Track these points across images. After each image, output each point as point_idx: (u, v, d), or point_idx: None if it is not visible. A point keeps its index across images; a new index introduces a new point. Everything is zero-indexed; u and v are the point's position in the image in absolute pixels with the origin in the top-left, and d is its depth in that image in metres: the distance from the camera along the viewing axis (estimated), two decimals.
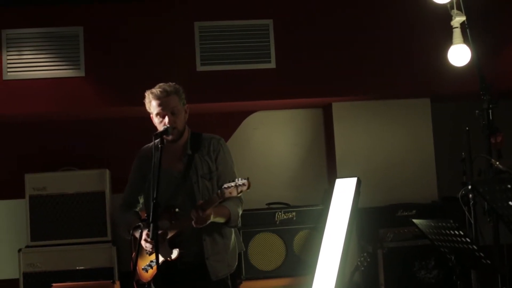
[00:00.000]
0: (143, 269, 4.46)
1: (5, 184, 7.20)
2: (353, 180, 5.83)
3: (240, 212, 4.49)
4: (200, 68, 6.84)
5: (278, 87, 6.91)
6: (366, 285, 6.64)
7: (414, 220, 4.89)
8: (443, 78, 6.87)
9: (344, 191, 6.00)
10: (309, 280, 6.07)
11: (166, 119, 4.39)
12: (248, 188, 4.04)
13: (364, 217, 6.74)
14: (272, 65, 6.91)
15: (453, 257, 4.59)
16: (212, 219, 4.20)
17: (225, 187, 4.07)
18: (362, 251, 6.47)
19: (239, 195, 4.10)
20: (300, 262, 6.61)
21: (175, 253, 4.29)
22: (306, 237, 6.69)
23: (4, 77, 6.69)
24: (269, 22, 6.94)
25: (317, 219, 6.63)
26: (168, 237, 4.30)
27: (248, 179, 4.04)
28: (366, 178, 6.14)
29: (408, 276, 6.53)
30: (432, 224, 4.67)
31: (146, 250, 4.39)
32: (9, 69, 6.69)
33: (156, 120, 4.46)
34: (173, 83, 4.51)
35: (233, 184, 4.05)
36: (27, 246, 6.63)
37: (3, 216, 7.22)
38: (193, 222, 4.15)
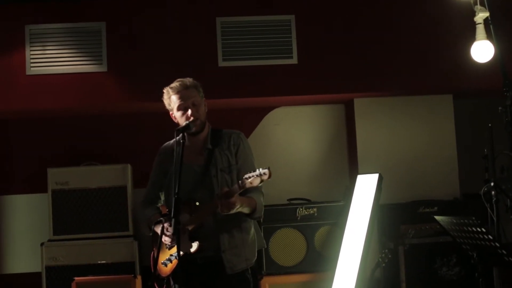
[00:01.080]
0: (162, 263, 4.48)
1: (28, 179, 7.26)
2: (375, 176, 5.83)
3: (263, 204, 4.51)
4: (222, 63, 6.85)
5: (299, 82, 6.90)
6: (387, 282, 6.63)
7: (436, 217, 4.88)
8: (466, 74, 6.83)
9: (365, 187, 6.00)
10: (330, 276, 6.09)
11: (189, 111, 4.41)
12: (269, 177, 4.05)
13: (386, 214, 6.73)
14: (294, 60, 6.90)
15: (475, 254, 4.58)
16: (239, 207, 4.20)
17: (246, 177, 4.09)
18: (383, 248, 6.46)
19: (260, 184, 4.11)
20: (321, 258, 6.61)
21: (194, 246, 4.31)
22: (327, 233, 6.68)
23: (28, 72, 6.73)
24: (291, 17, 6.93)
25: (338, 215, 6.63)
26: (189, 229, 4.31)
27: (269, 168, 4.05)
28: (388, 174, 6.15)
29: (429, 273, 6.51)
30: (454, 221, 4.66)
31: (166, 244, 4.41)
32: (32, 64, 6.73)
33: (177, 114, 4.48)
34: (191, 78, 4.55)
35: (255, 173, 4.07)
36: (49, 240, 6.68)
37: (26, 210, 7.27)
38: (219, 209, 4.16)
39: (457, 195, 7.08)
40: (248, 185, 4.11)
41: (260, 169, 4.07)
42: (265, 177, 4.05)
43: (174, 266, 4.41)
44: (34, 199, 7.21)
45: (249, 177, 4.08)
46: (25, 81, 6.73)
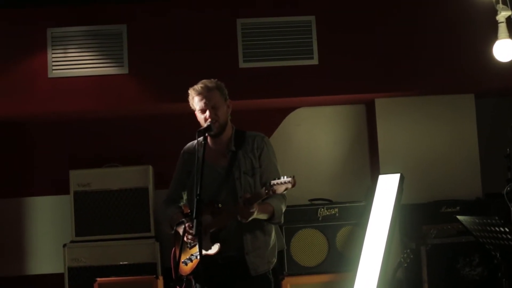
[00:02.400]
0: (182, 262, 4.48)
1: (51, 181, 7.30)
2: (396, 177, 5.82)
3: (284, 209, 4.50)
4: (242, 65, 6.86)
5: (320, 83, 6.89)
6: (409, 282, 6.61)
7: (459, 217, 4.87)
8: (488, 73, 6.80)
9: (387, 187, 5.99)
10: (352, 276, 6.08)
11: (207, 113, 4.42)
12: (293, 186, 4.05)
13: (407, 214, 6.70)
14: (315, 61, 6.90)
15: (498, 254, 4.56)
16: (255, 215, 4.21)
17: (273, 184, 4.08)
18: (405, 248, 6.43)
19: (284, 192, 4.11)
20: (343, 258, 6.60)
21: (215, 248, 4.31)
22: (348, 234, 6.67)
23: (50, 75, 6.77)
24: (312, 18, 6.93)
25: (360, 215, 6.62)
26: (211, 231, 4.32)
27: (293, 177, 4.04)
28: (409, 174, 6.14)
29: (451, 273, 6.48)
30: (477, 221, 4.64)
31: (187, 244, 4.42)
32: (54, 67, 6.77)
33: (199, 115, 4.50)
34: (215, 79, 4.55)
35: (280, 181, 4.06)
36: (71, 241, 6.71)
37: (49, 212, 7.31)
38: (238, 216, 4.17)
39: (479, 194, 7.04)
40: (272, 192, 4.11)
41: (285, 177, 4.06)
42: (289, 186, 4.05)
43: (195, 266, 4.42)
44: (57, 201, 7.25)
45: (275, 184, 4.07)
46: (47, 84, 6.77)
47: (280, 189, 4.06)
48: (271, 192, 4.09)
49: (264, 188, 4.14)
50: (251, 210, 4.13)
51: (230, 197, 4.42)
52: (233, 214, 4.25)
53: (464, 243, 6.43)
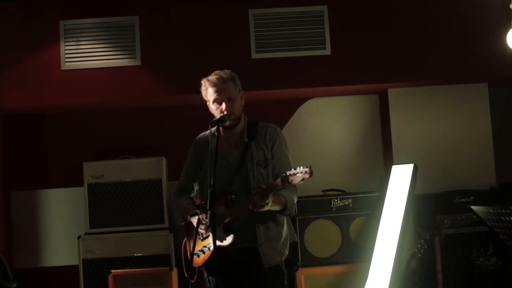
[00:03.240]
0: (195, 253, 4.48)
1: (65, 173, 7.33)
2: (410, 167, 5.79)
3: (295, 200, 4.49)
4: (255, 55, 6.86)
5: (333, 73, 6.88)
6: (423, 272, 6.60)
7: (473, 207, 4.84)
8: (502, 62, 6.77)
9: (400, 177, 5.97)
10: (366, 267, 6.07)
11: (223, 106, 4.41)
12: (310, 176, 3.99)
13: (421, 204, 6.69)
14: (327, 51, 6.89)
15: None
16: (269, 206, 4.20)
17: (289, 174, 4.05)
18: (419, 238, 6.42)
19: (300, 182, 4.09)
20: (356, 249, 6.60)
21: (229, 239, 4.31)
22: (362, 224, 6.67)
23: (63, 67, 6.79)
24: (324, 8, 6.91)
25: (374, 206, 6.61)
26: (225, 222, 4.32)
27: (310, 167, 3.99)
28: (423, 164, 6.10)
29: (466, 263, 6.47)
30: (491, 211, 4.62)
31: (199, 235, 4.42)
32: (67, 59, 6.79)
33: (213, 107, 4.48)
34: (229, 71, 4.53)
35: (296, 172, 4.02)
36: (86, 233, 6.74)
37: (63, 204, 7.34)
38: (251, 206, 4.15)
39: (493, 184, 7.02)
40: (290, 183, 4.08)
41: (302, 167, 4.00)
42: (306, 176, 3.99)
43: (207, 257, 4.42)
44: (71, 193, 7.28)
45: (291, 175, 4.04)
46: (60, 76, 6.79)
47: (297, 180, 4.02)
48: (287, 183, 4.06)
49: (280, 178, 4.10)
50: (266, 201, 4.12)
51: (243, 188, 4.42)
52: (246, 205, 4.24)
53: (478, 233, 6.42)
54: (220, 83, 4.43)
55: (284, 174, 4.07)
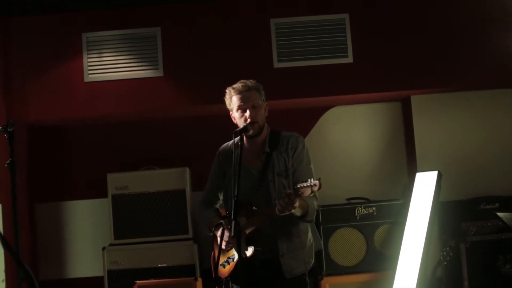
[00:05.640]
0: (220, 264, 4.49)
1: (89, 184, 7.36)
2: (434, 174, 5.77)
3: (316, 207, 4.48)
4: (277, 64, 6.86)
5: (355, 81, 6.87)
6: (449, 280, 6.56)
7: (499, 214, 4.83)
8: None
9: (424, 185, 5.95)
10: (391, 275, 6.04)
11: (247, 113, 4.41)
12: (319, 188, 4.00)
13: (446, 211, 6.66)
14: (349, 59, 6.88)
15: None
16: (295, 210, 4.16)
17: (298, 187, 4.04)
18: (444, 246, 6.39)
19: (311, 195, 4.08)
20: (381, 257, 6.57)
21: (250, 251, 4.30)
22: (386, 232, 6.64)
23: (86, 80, 6.83)
24: (345, 16, 6.91)
25: (398, 213, 6.58)
26: (246, 233, 4.31)
27: (319, 179, 3.99)
28: (447, 171, 6.09)
29: (492, 271, 6.42)
30: None
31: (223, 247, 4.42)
32: (90, 71, 6.83)
33: (236, 115, 4.48)
34: (254, 80, 4.54)
35: (305, 184, 4.01)
36: (110, 245, 6.76)
37: (88, 216, 7.37)
38: (276, 209, 4.12)
39: None
40: (301, 195, 4.06)
41: (311, 180, 4.00)
42: (315, 188, 4.00)
43: (233, 268, 4.42)
44: (95, 204, 7.30)
45: (301, 187, 4.03)
46: (83, 88, 6.84)
47: (307, 192, 4.02)
48: (300, 195, 4.04)
49: (292, 191, 4.08)
50: (294, 205, 4.07)
51: (263, 199, 4.41)
52: (267, 216, 4.25)
53: (504, 240, 6.37)
54: (245, 91, 4.44)
55: (295, 187, 4.06)
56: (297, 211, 4.24)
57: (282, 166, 4.47)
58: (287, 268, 4.41)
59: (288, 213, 4.13)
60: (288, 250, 4.42)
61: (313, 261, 4.60)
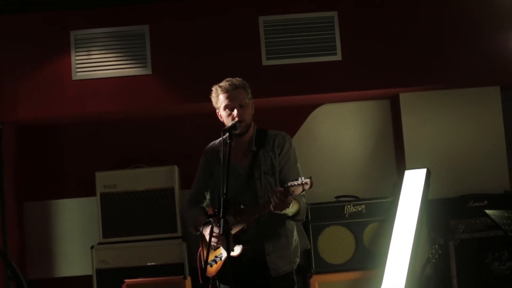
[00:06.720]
0: (208, 263, 4.47)
1: (77, 183, 7.35)
2: (423, 172, 5.77)
3: (305, 207, 4.48)
4: (265, 62, 6.85)
5: (344, 79, 6.87)
6: (438, 278, 6.57)
7: (487, 211, 4.82)
8: None
9: (413, 182, 5.95)
10: (380, 273, 6.04)
11: (235, 112, 4.40)
12: (310, 187, 3.98)
13: (434, 209, 6.66)
14: (338, 57, 6.87)
15: None
16: (290, 208, 4.15)
17: (289, 185, 4.01)
18: (433, 243, 6.40)
19: (302, 193, 4.06)
20: (370, 255, 6.58)
21: (238, 250, 4.29)
22: (375, 230, 6.65)
23: (74, 77, 6.81)
24: (334, 14, 6.90)
25: (387, 211, 6.58)
26: (233, 233, 4.30)
27: (311, 178, 3.98)
28: (436, 169, 6.08)
29: (481, 268, 6.43)
30: (506, 215, 4.59)
31: (211, 245, 4.41)
32: (78, 69, 6.81)
33: (223, 113, 4.48)
34: (240, 78, 4.53)
35: (296, 183, 3.99)
36: (99, 243, 6.74)
37: (76, 214, 7.35)
38: (271, 206, 4.08)
39: (507, 188, 6.99)
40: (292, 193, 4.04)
41: (302, 178, 3.98)
42: (306, 187, 3.97)
43: (220, 267, 4.42)
44: (84, 203, 7.29)
45: (292, 185, 4.00)
46: (71, 86, 6.81)
47: (298, 191, 3.99)
48: (291, 193, 4.02)
49: (282, 188, 4.06)
50: (288, 199, 4.05)
51: (250, 198, 4.41)
52: (254, 214, 4.25)
53: (493, 237, 6.38)
54: (232, 90, 4.44)
55: (286, 185, 4.04)
56: (289, 211, 4.24)
57: (269, 164, 4.47)
58: (273, 267, 4.41)
59: (281, 211, 4.13)
60: (274, 249, 4.43)
61: (298, 260, 4.60)
